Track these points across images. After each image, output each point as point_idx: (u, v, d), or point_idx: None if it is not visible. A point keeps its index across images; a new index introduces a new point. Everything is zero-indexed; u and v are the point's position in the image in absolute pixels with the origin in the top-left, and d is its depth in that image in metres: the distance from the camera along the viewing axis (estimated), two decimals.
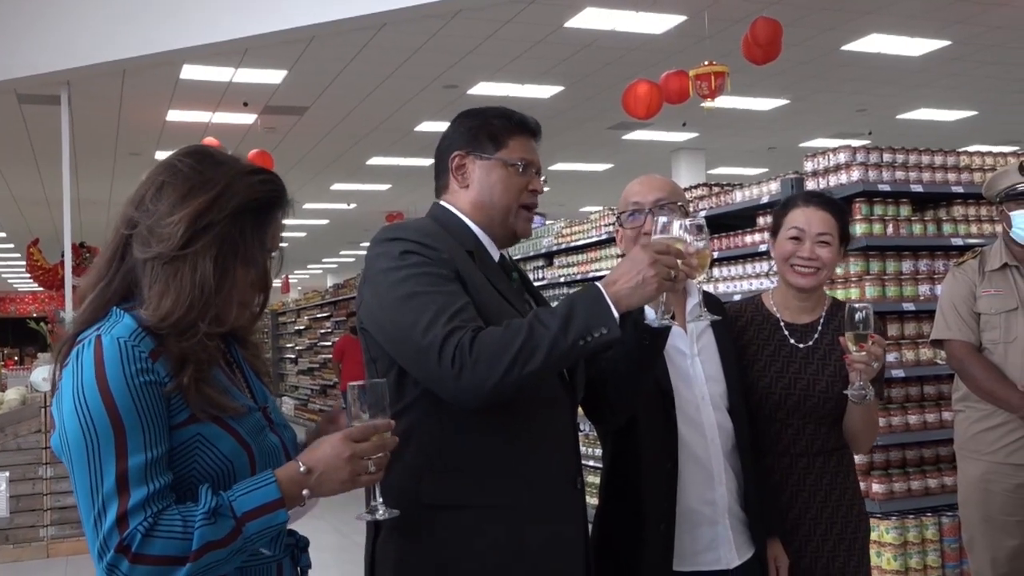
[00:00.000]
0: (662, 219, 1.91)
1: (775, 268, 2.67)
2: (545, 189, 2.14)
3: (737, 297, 4.92)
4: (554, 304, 1.95)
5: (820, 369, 2.51)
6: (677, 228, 1.88)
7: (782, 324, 2.61)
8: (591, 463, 7.20)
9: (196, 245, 1.51)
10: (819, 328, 2.59)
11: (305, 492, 1.53)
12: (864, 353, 2.25)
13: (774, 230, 2.64)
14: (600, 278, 2.18)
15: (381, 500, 1.66)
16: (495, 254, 2.07)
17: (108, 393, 1.42)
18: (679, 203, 2.35)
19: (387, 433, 1.59)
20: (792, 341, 2.58)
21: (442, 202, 2.10)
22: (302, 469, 1.52)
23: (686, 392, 2.30)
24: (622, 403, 2.17)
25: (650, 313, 1.99)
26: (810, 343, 2.58)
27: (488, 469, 1.90)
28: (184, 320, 1.50)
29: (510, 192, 2.04)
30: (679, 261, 1.83)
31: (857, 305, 2.28)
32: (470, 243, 2.01)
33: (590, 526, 2.20)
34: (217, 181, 1.55)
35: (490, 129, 2.05)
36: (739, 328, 2.60)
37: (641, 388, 2.15)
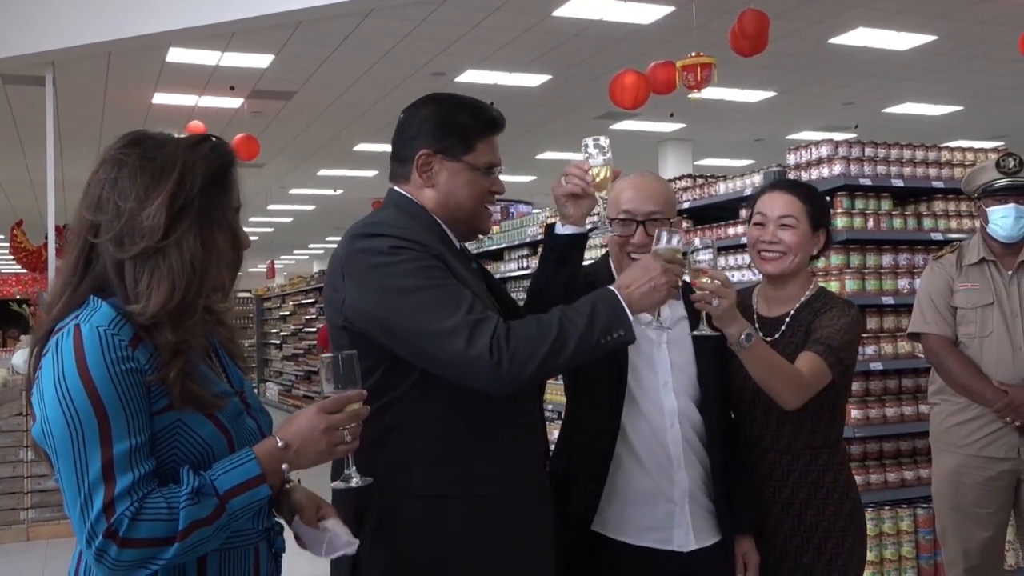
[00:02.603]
0: (664, 234, 2.02)
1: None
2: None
3: None
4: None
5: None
6: (676, 241, 2.01)
7: (755, 316, 2.56)
8: None
9: (180, 228, 1.52)
10: (786, 321, 2.51)
11: (285, 466, 1.56)
12: (701, 290, 2.13)
13: (748, 222, 2.64)
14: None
15: (355, 468, 1.70)
16: (456, 244, 2.11)
17: (90, 381, 1.43)
18: (671, 219, 2.35)
19: (359, 403, 1.62)
20: (760, 334, 2.47)
21: (401, 190, 2.07)
22: (280, 444, 1.56)
23: (649, 375, 2.33)
24: (546, 303, 2.12)
25: (558, 225, 2.15)
26: (776, 336, 2.50)
27: (472, 458, 1.95)
28: (184, 302, 1.51)
29: (475, 195, 2.06)
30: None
31: (696, 241, 2.19)
32: (440, 234, 2.03)
33: None
34: (172, 161, 1.55)
35: (459, 129, 2.03)
36: None
37: (561, 284, 2.17)
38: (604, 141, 2.07)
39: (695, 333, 2.26)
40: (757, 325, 2.52)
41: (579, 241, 2.16)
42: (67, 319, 1.51)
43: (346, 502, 1.92)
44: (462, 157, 2.03)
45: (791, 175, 4.75)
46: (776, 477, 2.45)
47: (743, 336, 2.18)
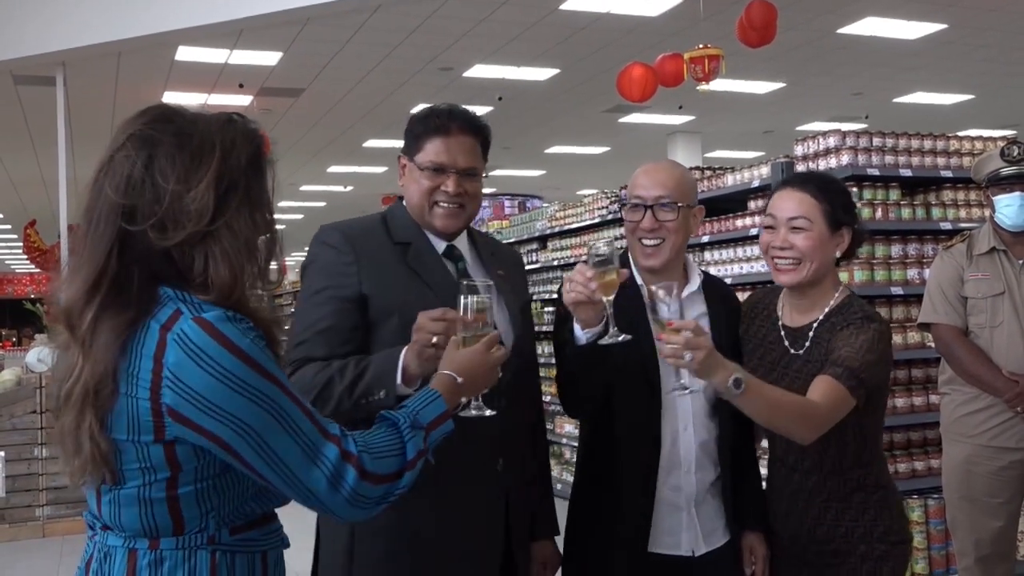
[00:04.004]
0: (464, 290, 1.87)
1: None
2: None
3: (728, 280, 4.94)
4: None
5: (809, 380, 2.14)
6: (472, 300, 1.84)
7: (780, 325, 2.32)
8: (564, 440, 7.30)
9: (228, 210, 1.45)
10: (809, 336, 2.26)
11: (463, 400, 1.75)
12: (670, 345, 1.89)
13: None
14: None
15: (480, 400, 1.86)
16: (440, 245, 2.21)
17: (257, 364, 1.40)
18: (679, 203, 2.27)
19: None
20: (786, 344, 2.29)
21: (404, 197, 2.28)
22: (459, 380, 1.71)
23: (665, 378, 2.27)
24: (580, 398, 2.31)
25: (577, 330, 2.10)
26: (801, 351, 2.26)
27: None
28: (245, 286, 1.47)
29: (419, 193, 2.18)
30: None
31: (659, 289, 1.95)
32: (411, 236, 2.18)
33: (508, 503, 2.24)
34: (210, 139, 1.47)
35: (413, 133, 2.22)
36: (748, 320, 2.40)
37: (594, 385, 2.23)
38: (609, 245, 2.04)
39: (672, 392, 2.09)
40: (783, 334, 2.30)
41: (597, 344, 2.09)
42: (159, 315, 1.41)
43: None
44: (413, 156, 2.20)
45: (799, 166, 4.74)
46: (803, 498, 2.28)
47: (731, 382, 1.91)
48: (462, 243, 2.27)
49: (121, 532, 1.47)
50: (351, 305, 2.07)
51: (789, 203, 2.24)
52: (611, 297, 2.01)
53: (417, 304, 1.99)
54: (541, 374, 7.79)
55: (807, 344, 2.24)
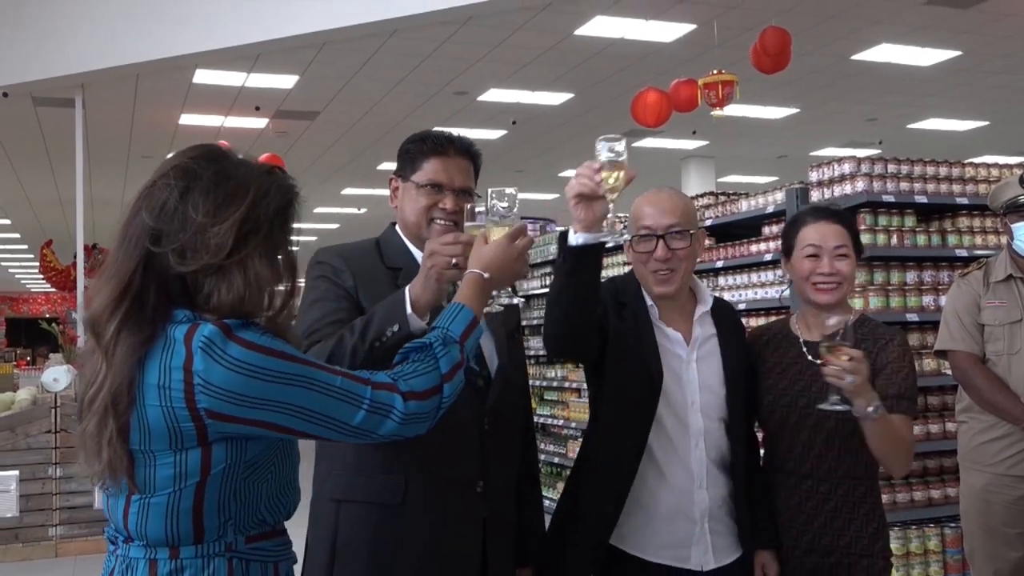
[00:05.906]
0: (467, 208, 2.07)
1: (780, 277, 2.65)
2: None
3: (742, 306, 4.93)
4: None
5: (828, 386, 2.30)
6: (478, 217, 1.98)
7: (801, 341, 2.53)
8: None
9: (245, 249, 1.54)
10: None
11: (495, 293, 1.85)
12: (835, 367, 2.17)
13: (786, 251, 2.60)
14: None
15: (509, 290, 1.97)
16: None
17: (275, 351, 1.51)
18: (690, 230, 2.33)
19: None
20: (809, 357, 2.46)
21: (397, 223, 2.34)
22: (486, 276, 1.82)
23: (677, 393, 2.32)
24: (562, 329, 2.14)
25: (571, 233, 1.98)
26: (820, 361, 2.38)
27: (379, 468, 2.12)
28: (251, 316, 1.56)
29: (416, 210, 2.25)
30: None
31: (834, 319, 2.23)
32: (401, 261, 2.23)
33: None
34: (247, 184, 1.57)
35: (410, 154, 2.29)
36: (760, 345, 2.59)
37: (579, 311, 2.10)
38: (619, 143, 1.94)
39: (823, 407, 2.24)
40: (805, 348, 2.50)
41: (592, 251, 2.00)
42: (178, 329, 1.50)
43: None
44: (410, 177, 2.27)
45: (814, 192, 4.74)
46: (811, 505, 2.42)
47: (871, 408, 2.20)
48: None
49: (143, 542, 1.54)
50: (357, 310, 2.11)
51: (831, 234, 2.52)
52: (614, 196, 1.91)
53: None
54: (552, 398, 7.76)
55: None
